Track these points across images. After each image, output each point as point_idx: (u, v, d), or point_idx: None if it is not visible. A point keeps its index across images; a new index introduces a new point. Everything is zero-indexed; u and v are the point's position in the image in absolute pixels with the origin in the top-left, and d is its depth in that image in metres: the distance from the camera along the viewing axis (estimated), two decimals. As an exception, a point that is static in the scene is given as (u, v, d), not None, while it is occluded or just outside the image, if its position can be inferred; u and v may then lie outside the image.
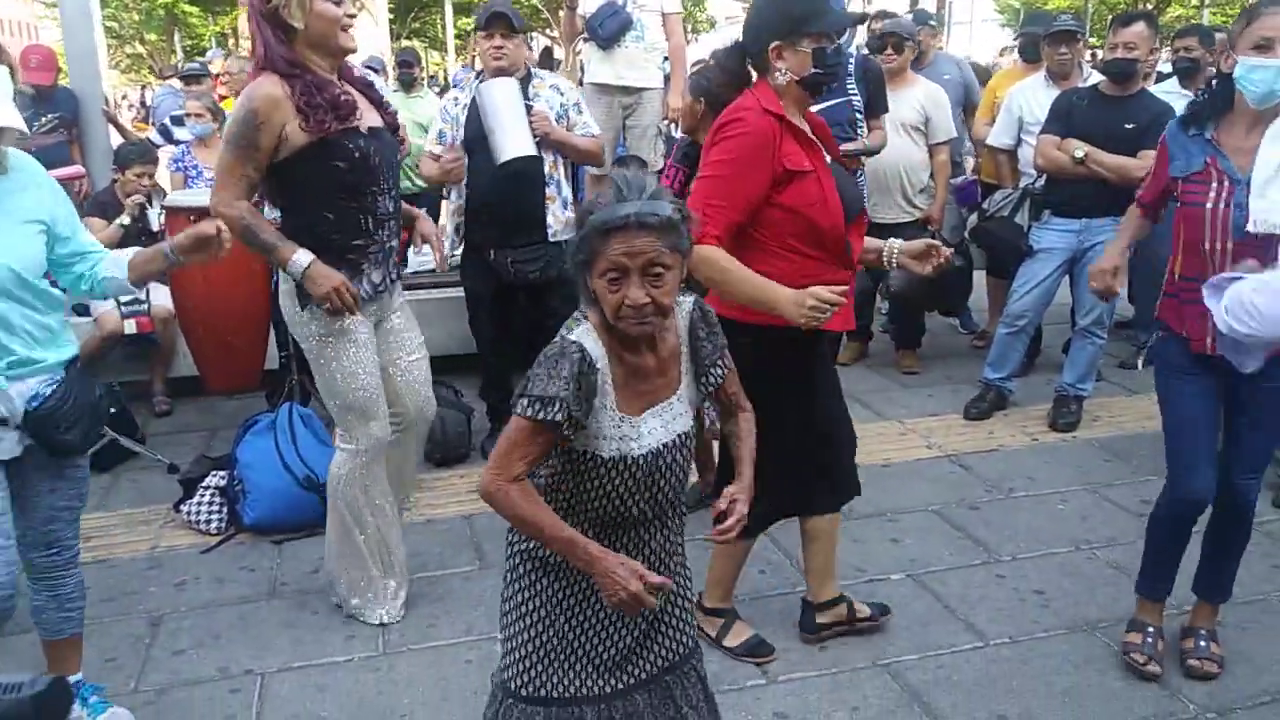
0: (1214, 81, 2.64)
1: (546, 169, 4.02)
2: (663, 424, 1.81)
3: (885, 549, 3.52)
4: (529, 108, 3.90)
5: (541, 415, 1.68)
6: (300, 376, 4.27)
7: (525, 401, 1.70)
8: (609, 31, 5.28)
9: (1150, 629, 2.86)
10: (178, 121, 6.39)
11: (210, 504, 3.74)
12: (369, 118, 2.85)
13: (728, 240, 2.44)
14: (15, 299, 2.22)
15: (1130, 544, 3.32)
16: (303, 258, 2.72)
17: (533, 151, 3.84)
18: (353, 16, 2.75)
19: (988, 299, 5.80)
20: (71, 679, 2.57)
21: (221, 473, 3.80)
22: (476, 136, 3.93)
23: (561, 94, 4.07)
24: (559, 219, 4.05)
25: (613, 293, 1.66)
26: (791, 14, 2.47)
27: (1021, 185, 4.81)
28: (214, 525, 3.72)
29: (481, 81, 3.99)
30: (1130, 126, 4.21)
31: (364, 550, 3.08)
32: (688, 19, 30.53)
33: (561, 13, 5.60)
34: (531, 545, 1.85)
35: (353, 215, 2.81)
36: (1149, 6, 25.61)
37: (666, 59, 5.66)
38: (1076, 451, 4.34)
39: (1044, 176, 4.57)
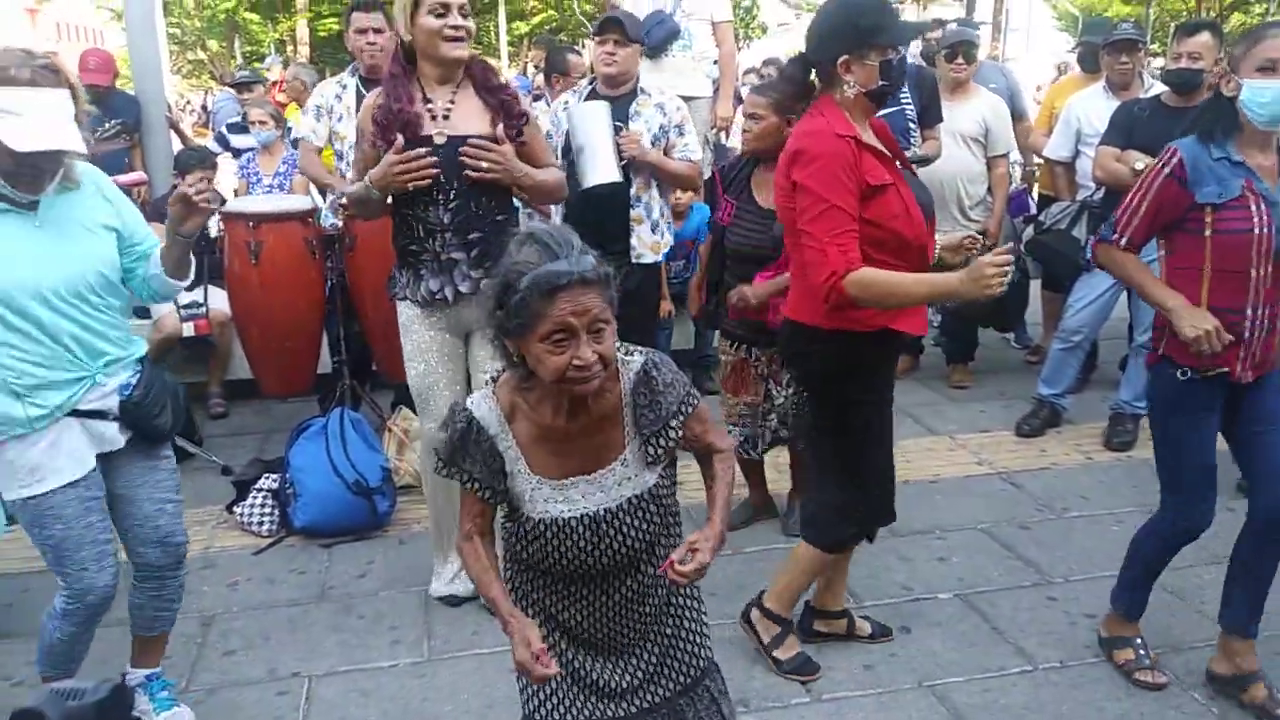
0: (1209, 105, 2.57)
1: (635, 190, 3.90)
2: (601, 489, 1.72)
3: (933, 568, 3.47)
4: (619, 128, 3.80)
5: (461, 480, 1.71)
6: (352, 381, 4.33)
7: (439, 464, 1.73)
8: (655, 40, 5.28)
9: (1138, 640, 2.86)
10: (236, 129, 6.50)
11: (262, 506, 3.81)
12: (465, 126, 2.84)
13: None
14: (104, 302, 2.35)
15: (1187, 568, 3.24)
16: (365, 180, 2.86)
17: (617, 178, 3.74)
18: (456, 28, 2.77)
19: (1042, 313, 5.71)
20: (149, 672, 2.69)
21: (274, 475, 3.86)
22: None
23: (664, 114, 3.94)
24: (644, 241, 3.96)
25: (558, 354, 1.57)
26: (860, 26, 2.46)
27: (1080, 198, 4.72)
28: (265, 527, 3.78)
29: (592, 90, 4.01)
30: (1192, 139, 4.11)
31: (431, 527, 3.26)
32: (739, 25, 30.49)
33: None
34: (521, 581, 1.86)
35: (406, 221, 2.91)
36: (1212, 14, 25.03)
37: (715, 63, 5.64)
38: (1132, 471, 4.24)
39: (1103, 189, 4.48)
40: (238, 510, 3.84)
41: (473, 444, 1.69)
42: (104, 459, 2.44)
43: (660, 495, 1.78)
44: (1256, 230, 2.46)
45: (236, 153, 6.30)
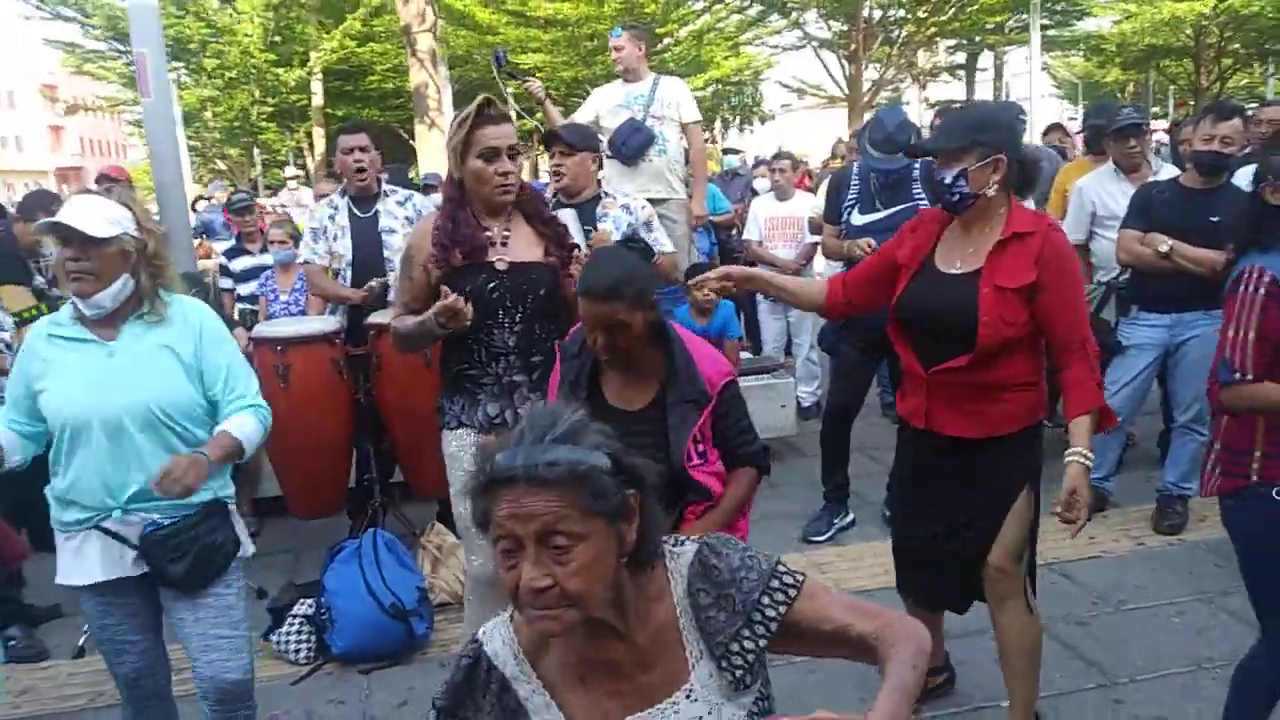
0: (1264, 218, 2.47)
1: None
2: None
3: (990, 671, 3.34)
4: (588, 232, 3.87)
5: None
6: (383, 499, 4.30)
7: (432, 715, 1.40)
8: (633, 149, 5.34)
9: None
10: (233, 254, 6.48)
11: (299, 633, 3.74)
12: (521, 254, 2.88)
13: None
14: (150, 435, 2.39)
15: (1257, 663, 3.11)
16: (429, 314, 2.77)
17: None
18: (505, 174, 2.81)
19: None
20: None
21: (309, 601, 3.80)
22: None
23: (630, 213, 4.05)
24: None
25: (508, 569, 1.26)
26: None
27: (1103, 280, 4.70)
28: (302, 655, 3.71)
29: (557, 202, 4.06)
30: (1215, 220, 4.10)
31: None
32: (747, 113, 31.05)
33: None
34: None
35: (466, 345, 2.89)
36: (1212, 77, 25.37)
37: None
38: (1185, 556, 4.13)
39: (1127, 271, 4.46)
40: (274, 638, 3.76)
41: (479, 688, 1.35)
42: (158, 586, 2.51)
43: None
44: None
45: (237, 276, 6.33)
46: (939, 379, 2.66)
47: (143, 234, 2.40)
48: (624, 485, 1.29)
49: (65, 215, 2.33)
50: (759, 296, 6.80)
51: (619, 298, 2.22)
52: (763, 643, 1.35)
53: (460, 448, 2.95)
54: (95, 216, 2.33)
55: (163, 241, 2.48)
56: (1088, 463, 2.53)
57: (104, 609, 2.50)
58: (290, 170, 14.84)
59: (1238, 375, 2.41)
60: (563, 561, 1.23)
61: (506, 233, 2.89)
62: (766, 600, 1.36)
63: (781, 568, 1.41)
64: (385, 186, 4.59)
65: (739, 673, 1.35)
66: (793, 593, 1.37)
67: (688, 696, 1.34)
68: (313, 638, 3.72)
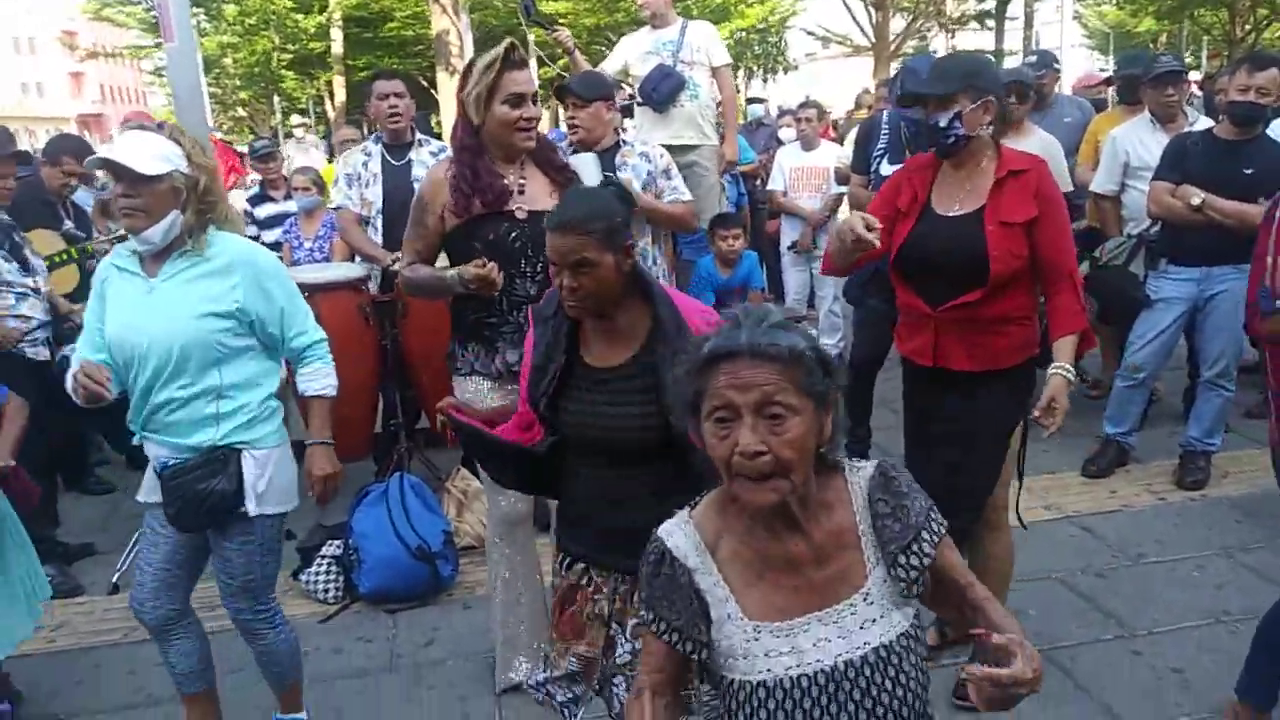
0: None
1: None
2: (840, 632, 1.40)
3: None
4: (607, 178, 3.81)
5: (653, 628, 1.45)
6: (409, 445, 4.35)
7: (643, 610, 1.50)
8: (664, 94, 5.25)
9: None
10: (257, 200, 6.50)
11: (327, 573, 3.81)
12: (539, 202, 2.85)
13: None
14: (171, 375, 2.44)
15: (1276, 616, 3.13)
16: (453, 272, 2.80)
17: None
18: (529, 120, 2.80)
19: (1100, 348, 5.60)
20: (291, 717, 2.90)
21: (337, 542, 3.87)
22: None
23: (649, 161, 4.00)
24: None
25: (721, 438, 1.35)
26: None
27: (1134, 232, 4.65)
28: (331, 594, 3.79)
29: (573, 152, 4.04)
30: (1250, 172, 4.04)
31: (498, 610, 3.14)
32: (771, 62, 30.63)
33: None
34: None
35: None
36: (1247, 27, 24.76)
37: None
38: (1207, 511, 4.13)
39: (1158, 223, 4.41)
40: (303, 578, 3.84)
41: (667, 583, 1.42)
42: None
43: (913, 647, 1.43)
44: None
45: (261, 223, 6.31)
46: (947, 315, 2.75)
47: (194, 170, 2.42)
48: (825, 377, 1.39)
49: (117, 152, 2.37)
50: (783, 248, 6.77)
51: (586, 231, 1.97)
52: (927, 560, 1.42)
53: (476, 394, 2.95)
54: (146, 153, 2.35)
55: (214, 177, 2.49)
56: (1069, 376, 2.67)
57: (151, 523, 2.62)
58: (296, 119, 14.71)
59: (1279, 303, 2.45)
60: (778, 431, 1.33)
61: (523, 180, 2.87)
62: (932, 523, 1.45)
63: (935, 510, 1.49)
64: (419, 136, 4.57)
65: (908, 578, 1.42)
66: (942, 530, 1.46)
67: (865, 599, 1.42)
68: (341, 578, 3.80)
